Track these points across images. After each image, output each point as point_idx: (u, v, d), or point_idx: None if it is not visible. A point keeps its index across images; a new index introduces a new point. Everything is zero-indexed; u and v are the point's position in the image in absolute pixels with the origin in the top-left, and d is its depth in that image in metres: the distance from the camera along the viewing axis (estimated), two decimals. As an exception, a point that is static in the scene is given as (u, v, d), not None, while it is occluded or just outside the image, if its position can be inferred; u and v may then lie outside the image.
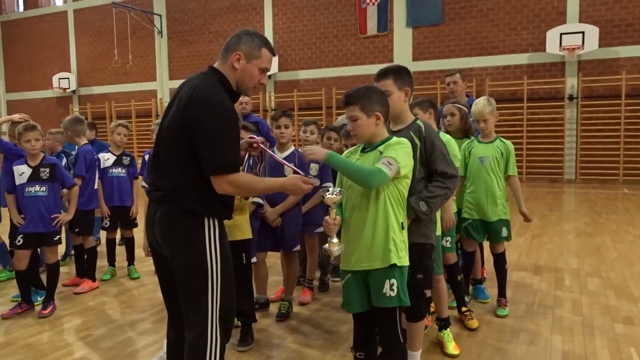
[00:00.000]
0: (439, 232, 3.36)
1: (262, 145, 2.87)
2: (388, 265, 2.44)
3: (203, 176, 2.34)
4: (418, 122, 2.80)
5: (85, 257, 5.12)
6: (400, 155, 2.45)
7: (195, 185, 2.36)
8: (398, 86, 2.78)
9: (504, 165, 4.14)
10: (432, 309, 3.89)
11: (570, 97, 13.04)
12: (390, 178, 2.41)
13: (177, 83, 17.54)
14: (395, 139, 2.55)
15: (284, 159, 4.13)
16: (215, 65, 2.53)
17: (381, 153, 2.48)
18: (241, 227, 3.55)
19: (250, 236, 3.65)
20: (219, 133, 2.30)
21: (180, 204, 2.38)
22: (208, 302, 2.35)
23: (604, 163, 12.87)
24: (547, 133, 13.29)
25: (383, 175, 2.39)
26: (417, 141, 2.73)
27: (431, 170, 2.75)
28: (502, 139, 4.20)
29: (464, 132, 4.30)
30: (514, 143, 12.05)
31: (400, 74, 2.81)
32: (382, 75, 2.82)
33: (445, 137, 3.71)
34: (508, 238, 4.18)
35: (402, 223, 2.50)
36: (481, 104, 4.11)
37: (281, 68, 16.08)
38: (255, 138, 2.86)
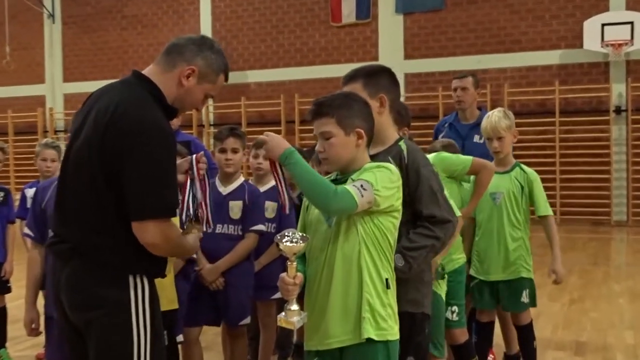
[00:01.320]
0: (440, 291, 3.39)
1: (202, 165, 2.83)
2: (363, 340, 2.45)
3: (126, 221, 2.38)
4: (401, 143, 2.82)
5: None
6: (379, 180, 2.46)
7: (115, 232, 2.40)
8: (369, 92, 2.79)
9: (524, 203, 4.22)
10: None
11: (617, 110, 13.46)
12: (358, 207, 2.40)
13: (75, 87, 17.45)
14: (375, 163, 2.58)
15: (227, 195, 4.14)
16: (146, 71, 2.57)
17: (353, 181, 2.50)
18: (163, 293, 3.47)
19: (176, 306, 3.60)
20: (155, 165, 2.35)
21: (96, 259, 2.42)
22: None
23: (665, 199, 13.25)
24: (588, 158, 13.60)
25: (349, 199, 2.37)
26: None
27: (415, 212, 2.73)
28: (522, 166, 4.30)
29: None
30: (543, 172, 12.38)
31: (374, 76, 2.85)
32: (350, 78, 2.88)
33: (438, 157, 3.77)
34: (530, 304, 4.23)
35: (386, 279, 2.51)
36: (495, 116, 4.21)
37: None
38: (195, 156, 2.84)
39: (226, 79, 2.69)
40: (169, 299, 3.52)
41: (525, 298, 4.19)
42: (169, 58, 2.57)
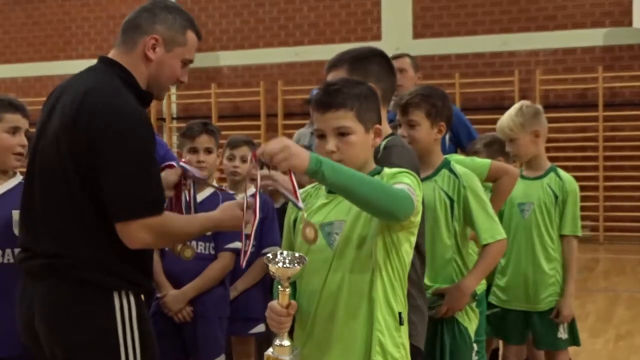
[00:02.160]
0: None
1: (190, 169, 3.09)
2: None
3: (107, 227, 2.54)
4: (385, 141, 2.91)
5: None
6: (415, 187, 2.49)
7: (95, 242, 2.56)
8: None
9: (558, 217, 4.28)
10: None
11: (675, 102, 13.55)
12: (413, 213, 2.43)
13: (5, 70, 17.38)
14: (395, 168, 2.60)
15: (200, 203, 4.17)
16: (112, 54, 2.76)
17: None
18: None
19: None
20: (133, 159, 2.53)
21: (74, 276, 2.56)
22: None
23: None
24: (638, 162, 13.63)
25: (410, 202, 2.38)
26: None
27: None
28: (559, 172, 4.36)
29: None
30: (582, 178, 12.39)
31: (362, 62, 2.93)
32: (333, 64, 2.97)
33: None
34: (572, 341, 4.28)
35: (399, 314, 2.54)
36: (506, 113, 4.31)
37: (189, 47, 16.16)
38: (183, 165, 3.12)
39: (198, 36, 2.85)
40: None
41: (563, 333, 4.23)
42: (126, 37, 2.75)
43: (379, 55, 2.99)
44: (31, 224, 2.67)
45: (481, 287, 4.01)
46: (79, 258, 2.55)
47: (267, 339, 4.00)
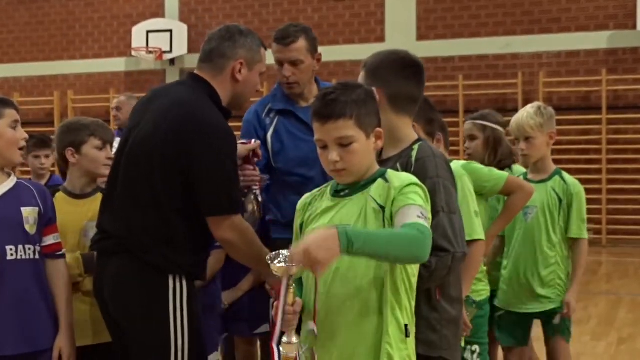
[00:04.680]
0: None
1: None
2: None
3: (179, 219, 3.09)
4: (415, 147, 2.87)
5: None
6: (426, 202, 2.50)
7: (163, 231, 3.09)
8: (366, 85, 2.87)
9: (561, 220, 4.29)
10: None
11: (678, 106, 13.54)
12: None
13: (9, 70, 17.41)
14: (402, 175, 2.59)
15: None
16: (198, 72, 3.31)
17: (379, 203, 2.51)
18: (98, 324, 3.55)
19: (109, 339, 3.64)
20: (222, 164, 3.09)
21: (139, 256, 3.10)
22: None
23: None
24: (641, 164, 13.69)
25: (428, 242, 2.38)
26: None
27: None
28: (564, 175, 4.36)
29: (497, 164, 4.41)
30: (586, 181, 12.29)
31: (374, 65, 2.96)
32: (362, 66, 2.99)
33: (469, 167, 3.83)
34: (563, 331, 4.29)
35: (406, 326, 2.54)
36: (525, 111, 4.30)
37: (191, 48, 16.16)
38: (250, 142, 3.72)
39: (265, 48, 3.44)
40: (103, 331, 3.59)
41: (557, 320, 4.25)
42: (212, 64, 3.29)
43: (396, 59, 2.98)
44: (111, 210, 3.20)
45: (483, 293, 4.02)
46: (145, 242, 3.09)
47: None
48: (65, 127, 3.78)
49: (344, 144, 2.52)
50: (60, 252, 3.38)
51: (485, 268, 4.09)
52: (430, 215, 2.51)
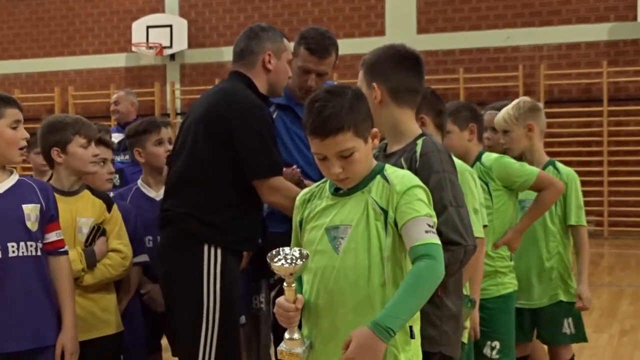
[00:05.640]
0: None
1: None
2: None
3: (223, 191, 3.50)
4: (419, 141, 2.87)
5: None
6: (430, 206, 2.51)
7: (207, 202, 3.48)
8: (366, 81, 2.91)
9: (559, 210, 4.29)
10: None
11: (679, 97, 13.52)
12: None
13: (10, 66, 17.40)
14: (403, 176, 2.57)
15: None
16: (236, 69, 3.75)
17: (380, 205, 2.51)
18: (107, 313, 3.67)
19: (121, 328, 3.73)
20: (259, 134, 3.50)
21: (181, 227, 3.53)
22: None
23: None
24: (643, 156, 13.68)
25: (441, 265, 2.42)
26: None
27: None
28: (558, 165, 4.37)
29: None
30: (587, 173, 12.35)
31: (374, 61, 2.96)
32: (361, 64, 2.99)
33: (499, 161, 3.83)
34: (576, 336, 4.28)
35: (410, 327, 2.54)
36: (505, 107, 4.35)
37: (191, 43, 16.18)
38: (293, 167, 3.89)
39: (287, 38, 3.83)
40: (110, 322, 3.69)
41: (567, 328, 4.24)
42: (245, 62, 3.74)
43: (393, 53, 2.97)
44: (167, 187, 3.68)
45: (509, 287, 3.98)
46: (188, 212, 3.49)
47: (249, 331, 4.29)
48: (49, 126, 3.72)
49: (345, 155, 2.52)
50: (63, 249, 3.36)
51: (512, 263, 4.08)
52: (436, 220, 2.51)
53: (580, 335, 4.31)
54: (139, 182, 4.32)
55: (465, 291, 3.31)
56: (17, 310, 3.14)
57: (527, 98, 4.48)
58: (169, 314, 3.72)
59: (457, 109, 4.03)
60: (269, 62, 3.70)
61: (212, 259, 3.46)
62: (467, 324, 3.40)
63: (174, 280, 3.55)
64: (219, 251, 3.48)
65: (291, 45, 3.89)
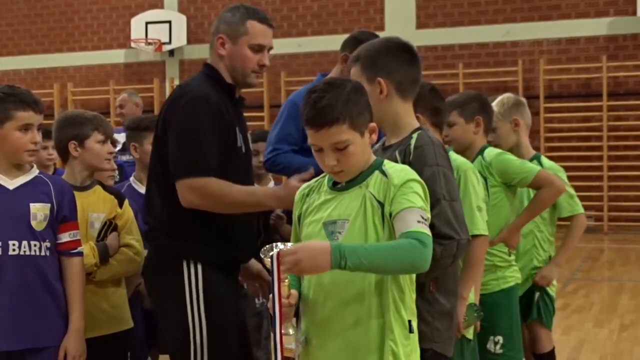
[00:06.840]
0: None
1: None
2: None
3: (176, 202, 3.10)
4: (414, 135, 2.87)
5: None
6: (425, 201, 2.50)
7: (174, 212, 3.14)
8: (367, 76, 2.89)
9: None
10: None
11: (679, 92, 13.54)
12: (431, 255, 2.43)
13: (9, 62, 17.38)
14: (401, 170, 2.56)
15: None
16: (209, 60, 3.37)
17: (377, 199, 2.50)
18: (118, 310, 3.64)
19: (131, 324, 3.71)
20: (187, 127, 3.10)
21: (157, 244, 3.29)
22: None
23: None
24: (643, 151, 13.71)
25: (427, 250, 2.38)
26: None
27: None
28: (542, 159, 4.40)
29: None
30: (587, 168, 12.35)
31: (373, 57, 2.93)
32: (353, 59, 2.97)
33: (500, 157, 3.81)
34: (541, 317, 4.30)
35: (409, 322, 2.54)
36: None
37: (190, 39, 16.18)
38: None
39: (263, 22, 3.34)
40: (121, 317, 3.67)
41: (536, 304, 4.29)
42: (211, 42, 3.37)
43: (392, 46, 2.96)
44: (144, 202, 3.40)
45: (511, 280, 3.94)
46: (162, 226, 3.22)
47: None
48: (68, 119, 3.72)
49: (340, 147, 2.51)
50: (76, 250, 3.30)
51: (512, 258, 4.07)
52: (429, 215, 2.50)
53: (548, 314, 4.35)
54: (132, 178, 4.30)
55: (472, 299, 3.29)
56: (12, 309, 3.10)
57: (510, 94, 4.54)
58: (159, 330, 3.62)
59: (465, 100, 4.02)
60: (222, 46, 3.28)
61: (193, 277, 3.17)
62: (471, 330, 3.34)
63: (160, 301, 3.34)
64: (198, 267, 3.17)
65: (265, 29, 3.39)
